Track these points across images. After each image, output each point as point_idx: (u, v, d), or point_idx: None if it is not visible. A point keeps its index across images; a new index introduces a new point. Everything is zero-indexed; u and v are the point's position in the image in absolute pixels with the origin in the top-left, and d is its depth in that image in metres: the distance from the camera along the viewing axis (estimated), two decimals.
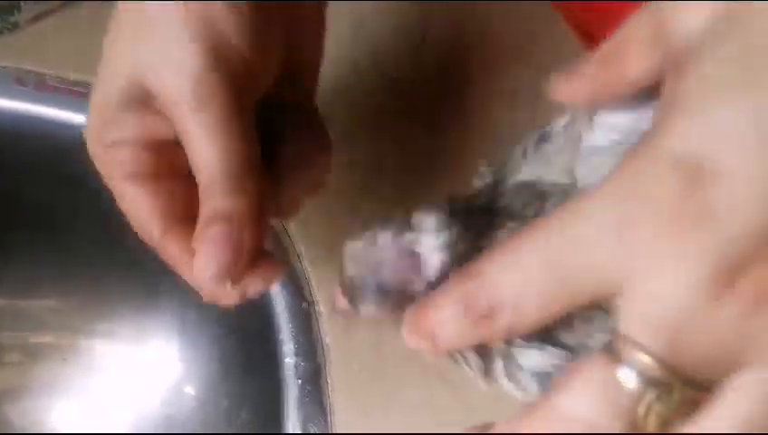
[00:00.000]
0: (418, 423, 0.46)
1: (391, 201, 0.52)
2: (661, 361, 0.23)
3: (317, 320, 0.49)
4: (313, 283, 0.50)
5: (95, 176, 0.55)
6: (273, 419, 0.49)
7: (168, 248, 0.34)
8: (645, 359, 0.23)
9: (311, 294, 0.50)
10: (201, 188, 0.32)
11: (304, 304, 0.50)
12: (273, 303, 0.50)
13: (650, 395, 0.23)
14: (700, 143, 0.23)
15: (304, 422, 0.47)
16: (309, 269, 0.50)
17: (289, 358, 0.49)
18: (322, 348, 0.48)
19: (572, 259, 0.24)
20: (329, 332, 0.48)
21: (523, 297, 0.24)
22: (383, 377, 0.47)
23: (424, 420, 0.46)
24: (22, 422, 0.68)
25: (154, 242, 0.34)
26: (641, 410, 0.23)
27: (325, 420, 0.47)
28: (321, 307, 0.49)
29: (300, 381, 0.48)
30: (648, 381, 0.23)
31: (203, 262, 0.31)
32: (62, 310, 0.70)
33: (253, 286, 0.33)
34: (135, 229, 0.34)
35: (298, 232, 0.51)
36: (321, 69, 0.39)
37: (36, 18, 0.59)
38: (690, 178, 0.23)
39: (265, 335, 0.52)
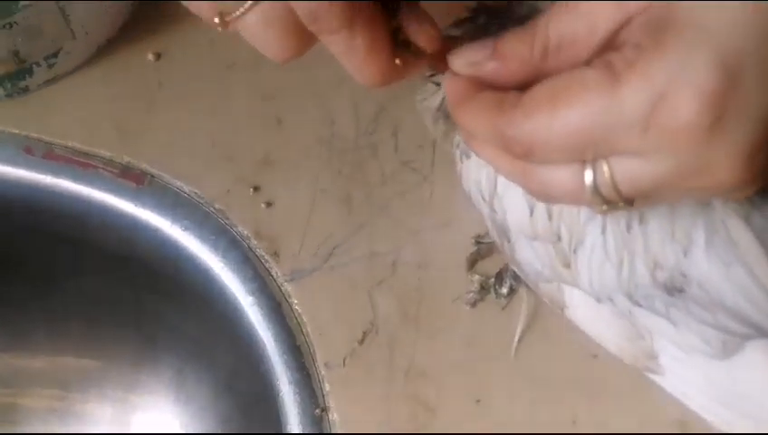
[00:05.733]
0: None
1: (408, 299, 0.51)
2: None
3: (329, 427, 0.48)
4: (327, 388, 0.49)
5: (94, 238, 0.59)
6: None
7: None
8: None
9: (324, 400, 0.48)
10: None
11: (317, 411, 0.48)
12: (285, 408, 0.49)
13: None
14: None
15: None
16: (323, 373, 0.49)
17: None
18: None
19: (599, 139, 0.29)
20: None
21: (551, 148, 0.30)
22: None
23: None
24: None
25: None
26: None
27: None
28: (335, 414, 0.48)
29: None
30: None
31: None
32: (54, 369, 0.69)
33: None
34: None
35: (314, 335, 0.50)
36: None
37: (47, 82, 0.58)
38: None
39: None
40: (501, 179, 0.44)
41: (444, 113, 0.48)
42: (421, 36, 0.35)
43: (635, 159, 0.29)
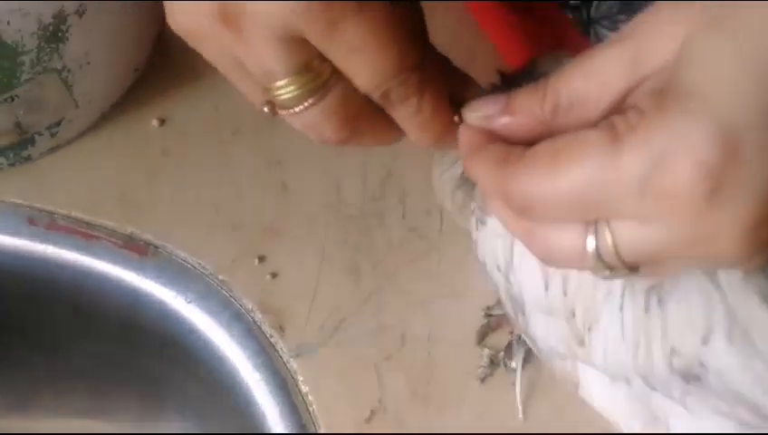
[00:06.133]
0: None
1: (417, 375, 0.50)
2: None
3: None
4: None
5: (97, 307, 0.59)
6: None
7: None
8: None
9: None
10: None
11: None
12: None
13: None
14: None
15: None
16: None
17: None
18: None
19: (597, 200, 0.28)
20: None
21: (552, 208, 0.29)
22: None
23: None
24: None
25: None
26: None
27: None
28: None
29: None
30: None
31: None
32: (60, 431, 0.69)
33: None
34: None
35: (320, 412, 0.49)
36: None
37: (50, 150, 0.57)
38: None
39: None
40: (517, 250, 0.43)
41: (463, 184, 0.47)
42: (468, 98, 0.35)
43: (635, 224, 0.29)
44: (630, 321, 0.39)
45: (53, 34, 0.50)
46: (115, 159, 0.57)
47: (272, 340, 0.52)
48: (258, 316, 0.52)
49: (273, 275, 0.53)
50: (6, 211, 0.56)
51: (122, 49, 0.56)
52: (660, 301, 0.38)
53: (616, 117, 0.29)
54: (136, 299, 0.55)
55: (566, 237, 0.30)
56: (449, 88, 0.35)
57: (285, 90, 0.32)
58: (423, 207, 0.55)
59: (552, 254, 0.32)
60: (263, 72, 0.32)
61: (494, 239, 0.44)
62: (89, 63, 0.53)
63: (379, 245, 0.54)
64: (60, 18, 0.49)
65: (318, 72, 0.32)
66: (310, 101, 0.32)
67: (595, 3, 0.46)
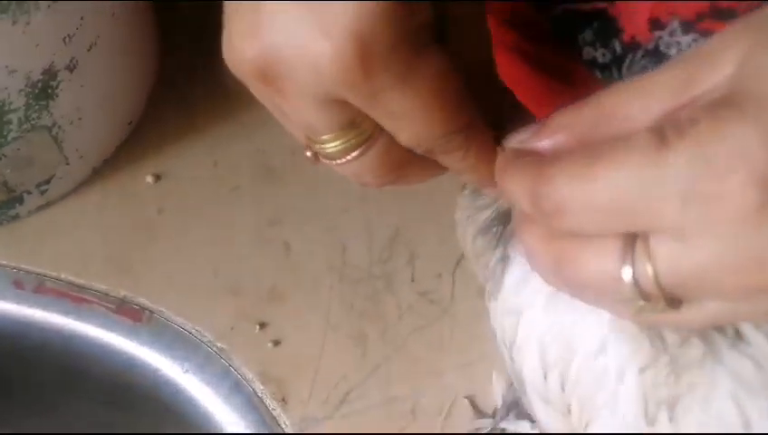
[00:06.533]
0: None
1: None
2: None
3: None
4: None
5: (88, 372, 0.57)
6: None
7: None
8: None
9: None
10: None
11: None
12: None
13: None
14: None
15: None
16: None
17: None
18: None
19: (637, 208, 0.26)
20: None
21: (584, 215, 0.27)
22: None
23: None
24: None
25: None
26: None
27: None
28: None
29: None
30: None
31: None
32: None
33: None
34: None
35: None
36: None
37: (39, 209, 0.55)
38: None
39: None
40: (522, 330, 0.40)
41: (485, 231, 0.44)
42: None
43: (675, 241, 0.27)
44: (634, 431, 0.36)
45: (43, 91, 0.48)
46: (107, 218, 0.55)
47: (274, 413, 0.49)
48: (259, 387, 0.50)
49: (275, 343, 0.51)
50: None
51: (115, 102, 0.55)
52: (671, 414, 0.36)
53: (666, 123, 0.27)
54: (129, 366, 0.53)
55: (599, 260, 0.28)
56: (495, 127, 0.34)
57: (328, 145, 0.31)
58: (433, 270, 0.52)
59: (582, 280, 0.29)
60: (305, 127, 0.31)
61: (503, 315, 0.41)
62: (80, 119, 0.52)
63: (387, 310, 0.51)
64: (50, 74, 0.48)
65: (362, 129, 0.31)
66: (353, 154, 0.31)
67: (627, 61, 0.44)
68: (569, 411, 0.38)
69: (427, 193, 0.53)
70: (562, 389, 0.38)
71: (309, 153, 0.32)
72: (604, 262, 0.28)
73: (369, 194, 0.54)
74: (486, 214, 0.44)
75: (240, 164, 0.56)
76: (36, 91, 0.47)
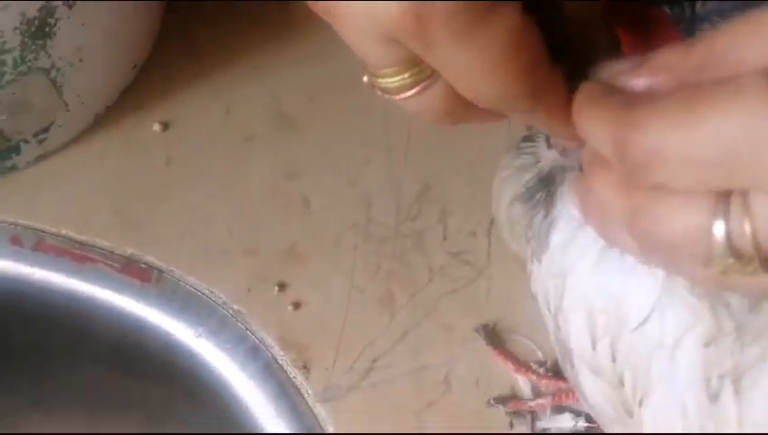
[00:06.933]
0: None
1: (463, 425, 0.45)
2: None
3: None
4: None
5: (93, 334, 0.55)
6: None
7: None
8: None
9: None
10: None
11: None
12: None
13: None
14: None
15: None
16: None
17: None
18: None
19: (742, 161, 0.24)
20: None
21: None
22: None
23: None
24: None
25: None
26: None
27: None
28: None
29: None
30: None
31: None
32: None
33: None
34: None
35: None
36: None
37: (38, 159, 0.52)
38: None
39: None
40: (568, 293, 0.39)
41: (525, 197, 0.42)
42: None
43: None
44: (695, 406, 0.35)
45: (39, 29, 0.45)
46: (111, 169, 0.53)
47: (294, 381, 0.47)
48: (279, 353, 0.48)
49: (296, 306, 0.48)
50: None
51: (119, 43, 0.52)
52: (738, 389, 0.34)
53: None
54: (137, 330, 0.51)
55: (686, 214, 0.26)
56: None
57: (385, 79, 0.31)
58: (467, 228, 0.50)
59: (662, 233, 0.27)
60: (362, 59, 0.31)
61: (546, 278, 0.40)
62: (81, 61, 0.49)
63: (417, 272, 0.49)
64: (47, 11, 0.45)
65: (421, 68, 0.30)
66: (410, 93, 0.31)
67: None
68: (621, 384, 0.37)
69: (460, 142, 0.51)
70: (613, 359, 0.37)
71: (366, 78, 0.32)
72: (693, 216, 0.26)
73: (395, 144, 0.52)
74: (527, 177, 0.42)
75: (253, 111, 0.54)
76: (32, 29, 0.45)
